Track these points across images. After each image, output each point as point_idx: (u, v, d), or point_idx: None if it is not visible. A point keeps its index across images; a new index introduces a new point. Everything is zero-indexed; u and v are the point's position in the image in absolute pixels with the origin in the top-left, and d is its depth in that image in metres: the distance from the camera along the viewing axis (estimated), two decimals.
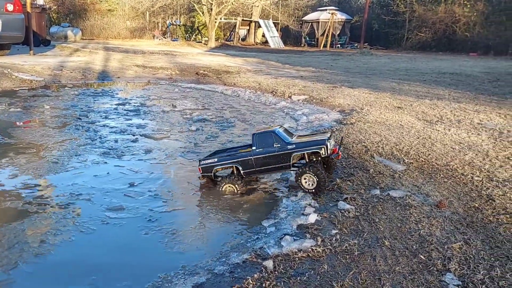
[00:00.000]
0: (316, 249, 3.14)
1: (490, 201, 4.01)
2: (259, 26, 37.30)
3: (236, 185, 4.58)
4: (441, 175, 4.69)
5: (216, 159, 4.71)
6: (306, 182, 4.31)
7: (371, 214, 3.74)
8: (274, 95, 10.77)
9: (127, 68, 15.96)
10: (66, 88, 11.72)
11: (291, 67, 17.75)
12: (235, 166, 4.63)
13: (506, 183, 4.45)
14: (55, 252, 3.41)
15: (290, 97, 10.33)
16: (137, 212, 4.08)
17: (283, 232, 3.51)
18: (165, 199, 4.41)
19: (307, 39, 38.35)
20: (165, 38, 35.54)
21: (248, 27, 38.53)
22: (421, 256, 3.03)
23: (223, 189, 4.60)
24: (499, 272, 2.85)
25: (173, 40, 34.56)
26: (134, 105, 9.43)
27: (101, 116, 8.24)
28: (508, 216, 3.69)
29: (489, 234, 3.39)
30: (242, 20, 36.43)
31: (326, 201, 4.12)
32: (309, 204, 4.04)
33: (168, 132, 7.19)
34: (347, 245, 3.19)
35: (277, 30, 37.98)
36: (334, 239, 3.30)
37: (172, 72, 15.42)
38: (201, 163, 4.75)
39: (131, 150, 6.07)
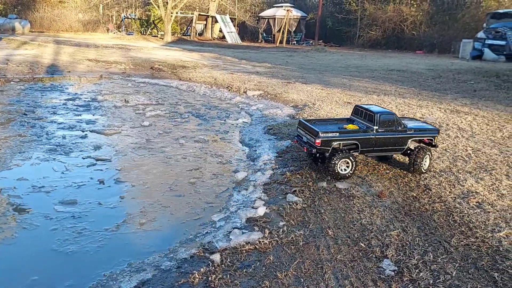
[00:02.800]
0: (263, 241, 3.21)
1: (427, 190, 4.30)
2: (216, 21, 36.98)
3: (354, 162, 4.45)
4: (384, 167, 4.95)
5: (337, 133, 4.46)
6: (424, 163, 4.69)
7: (317, 205, 3.88)
8: (229, 90, 10.76)
9: (78, 62, 15.23)
10: (11, 82, 10.99)
11: (248, 62, 17.81)
12: (353, 143, 4.52)
13: (442, 173, 4.79)
14: None
15: (245, 92, 10.38)
16: (87, 207, 3.96)
17: (233, 226, 3.55)
18: (116, 193, 4.29)
19: (264, 35, 38.64)
20: (120, 31, 34.21)
21: (205, 22, 38.06)
22: (362, 244, 3.20)
23: (338, 163, 4.40)
24: (431, 256, 3.08)
25: (128, 34, 33.35)
26: (85, 100, 9.05)
27: (48, 111, 7.85)
28: (442, 204, 3.98)
29: (424, 221, 3.64)
30: (199, 14, 35.90)
31: (276, 193, 4.21)
32: (259, 198, 4.11)
33: (119, 127, 6.97)
34: (293, 236, 3.30)
35: (234, 26, 37.87)
36: (281, 230, 3.39)
37: (126, 67, 14.91)
38: (321, 135, 4.38)
39: (79, 147, 5.84)
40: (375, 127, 4.57)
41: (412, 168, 4.71)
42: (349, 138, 4.54)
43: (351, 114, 5.11)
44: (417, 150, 4.71)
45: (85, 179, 4.73)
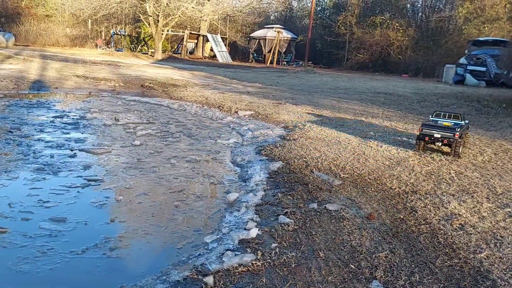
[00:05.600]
0: (255, 263, 3.25)
1: (413, 212, 4.43)
2: (207, 40, 37.55)
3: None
4: (372, 189, 5.09)
5: (460, 128, 6.66)
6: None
7: (308, 227, 3.96)
8: (221, 110, 10.90)
9: (66, 78, 15.14)
10: None
11: (238, 82, 18.06)
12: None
13: (427, 195, 4.94)
14: None
15: (236, 112, 10.52)
16: (75, 226, 3.94)
17: (225, 248, 3.58)
18: (107, 214, 4.28)
19: (255, 55, 39.36)
20: (109, 47, 34.36)
21: (196, 41, 38.60)
22: (352, 266, 3.28)
23: (461, 147, 6.78)
24: (417, 277, 3.17)
25: (118, 50, 33.52)
26: (73, 118, 8.96)
27: (35, 129, 7.69)
28: (427, 226, 4.11)
29: (411, 243, 3.75)
30: (190, 33, 36.42)
31: (268, 215, 4.28)
32: (252, 219, 4.16)
33: (109, 147, 6.92)
34: (285, 257, 3.36)
35: (225, 45, 38.50)
36: (273, 252, 3.45)
37: (116, 84, 14.92)
38: (458, 130, 6.55)
39: (68, 166, 5.75)
40: (463, 122, 7.01)
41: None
42: (462, 130, 6.79)
43: (432, 117, 7.34)
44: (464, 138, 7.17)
45: (75, 200, 4.69)
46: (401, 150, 7.09)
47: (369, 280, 3.09)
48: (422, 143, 6.98)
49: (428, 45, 32.66)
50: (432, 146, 7.17)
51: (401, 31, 33.34)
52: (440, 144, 6.86)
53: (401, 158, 6.58)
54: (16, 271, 3.22)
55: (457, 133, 6.57)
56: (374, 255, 3.45)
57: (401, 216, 4.31)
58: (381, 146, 7.25)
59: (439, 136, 6.70)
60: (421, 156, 6.74)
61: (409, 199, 4.80)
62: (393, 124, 9.44)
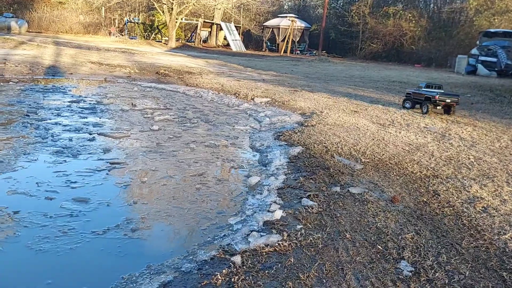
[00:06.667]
0: (282, 244, 3.26)
1: (436, 195, 4.39)
2: (221, 29, 37.34)
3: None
4: (394, 173, 5.04)
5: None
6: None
7: (332, 209, 3.95)
8: (237, 97, 10.87)
9: (80, 64, 15.24)
10: (10, 82, 10.82)
11: (253, 70, 17.97)
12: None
13: (448, 179, 4.89)
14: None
15: (253, 99, 10.49)
16: (98, 206, 3.99)
17: (250, 229, 3.59)
18: (130, 195, 4.33)
19: (268, 44, 39.05)
20: (122, 35, 34.44)
21: (209, 29, 38.41)
22: (379, 247, 3.27)
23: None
24: (445, 258, 3.16)
25: (131, 38, 33.58)
26: (90, 103, 8.99)
27: (52, 113, 7.71)
28: (451, 208, 4.07)
29: (436, 225, 3.72)
30: (204, 21, 36.24)
31: (291, 198, 4.28)
32: (275, 202, 4.16)
33: (128, 131, 6.95)
34: (311, 238, 3.36)
35: (239, 34, 38.24)
36: (299, 233, 3.45)
37: (131, 71, 14.98)
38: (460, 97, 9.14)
39: (87, 149, 5.76)
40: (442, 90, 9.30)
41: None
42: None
43: (424, 88, 9.41)
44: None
45: (94, 182, 4.71)
46: (419, 136, 7.00)
47: (397, 260, 3.08)
48: (431, 107, 8.99)
49: (440, 36, 32.11)
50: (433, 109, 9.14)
51: (413, 21, 32.79)
52: (440, 107, 8.94)
53: (420, 143, 6.50)
54: (36, 250, 3.24)
55: (459, 97, 9.16)
56: (400, 237, 3.43)
57: (424, 199, 4.27)
58: (399, 132, 7.16)
59: (449, 100, 8.80)
60: (439, 142, 6.64)
61: (431, 183, 4.75)
62: (410, 112, 9.32)
